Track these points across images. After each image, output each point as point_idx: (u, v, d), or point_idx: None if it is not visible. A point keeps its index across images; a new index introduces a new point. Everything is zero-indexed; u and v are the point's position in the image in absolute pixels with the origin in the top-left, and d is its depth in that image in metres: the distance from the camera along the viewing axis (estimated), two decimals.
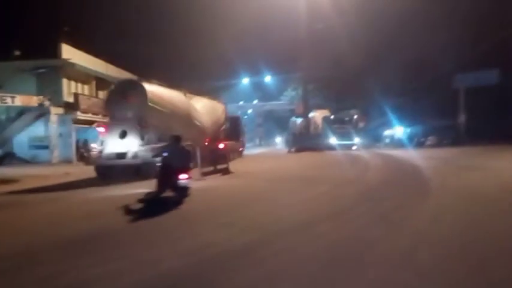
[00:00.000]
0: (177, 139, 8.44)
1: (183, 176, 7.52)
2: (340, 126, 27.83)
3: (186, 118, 14.69)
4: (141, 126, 12.12)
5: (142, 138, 12.06)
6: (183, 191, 7.63)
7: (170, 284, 3.34)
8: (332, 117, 29.69)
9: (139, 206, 7.09)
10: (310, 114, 31.40)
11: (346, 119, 28.46)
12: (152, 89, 13.09)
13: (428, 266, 3.60)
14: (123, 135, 12.16)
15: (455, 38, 30.46)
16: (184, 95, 15.63)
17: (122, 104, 12.56)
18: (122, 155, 11.63)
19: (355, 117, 28.51)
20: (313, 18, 26.35)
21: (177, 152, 8.12)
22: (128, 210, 6.62)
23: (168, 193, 7.59)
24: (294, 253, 4.12)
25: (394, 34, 32.17)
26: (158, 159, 9.38)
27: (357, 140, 27.14)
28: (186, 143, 11.30)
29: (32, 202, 8.49)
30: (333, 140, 26.94)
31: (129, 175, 11.00)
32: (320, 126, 30.00)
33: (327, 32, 28.15)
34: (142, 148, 11.90)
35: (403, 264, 3.67)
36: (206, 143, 14.61)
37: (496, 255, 3.87)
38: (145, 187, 8.18)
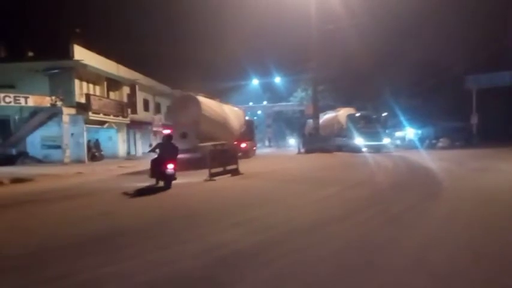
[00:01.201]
0: (169, 137, 10.63)
1: (170, 166, 9.47)
2: (367, 125, 24.95)
3: (223, 122, 18.78)
4: (197, 129, 15.96)
5: (198, 138, 15.86)
6: (170, 178, 9.55)
7: (180, 285, 3.35)
8: (358, 114, 26.60)
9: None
10: (331, 114, 29.72)
11: (374, 116, 25.94)
12: (204, 100, 17.29)
13: (439, 269, 3.55)
14: (183, 135, 15.64)
15: (467, 38, 30.06)
16: (220, 103, 19.80)
17: (182, 113, 16.54)
18: (184, 151, 13.65)
19: (385, 114, 26.17)
20: (323, 19, 26.24)
21: (169, 147, 10.13)
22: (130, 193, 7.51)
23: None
24: (303, 254, 4.11)
25: (405, 35, 31.91)
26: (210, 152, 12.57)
27: (386, 140, 24.75)
28: (221, 142, 17.14)
29: (45, 201, 8.62)
30: (359, 141, 24.11)
31: (192, 165, 13.49)
32: (344, 125, 26.84)
33: (338, 32, 28.02)
34: (199, 145, 15.61)
35: (414, 267, 3.63)
36: (235, 142, 19.13)
37: (510, 259, 3.81)
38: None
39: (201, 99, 17.15)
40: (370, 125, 24.71)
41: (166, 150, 10.03)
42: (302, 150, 27.33)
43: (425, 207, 6.57)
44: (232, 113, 21.00)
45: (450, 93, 31.02)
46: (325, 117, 30.51)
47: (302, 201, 7.51)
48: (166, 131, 15.46)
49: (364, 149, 23.06)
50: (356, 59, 32.77)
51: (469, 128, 30.74)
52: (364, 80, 35.03)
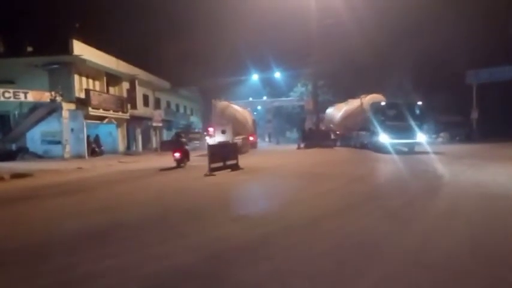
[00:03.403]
0: (178, 135, 16.56)
1: (176, 154, 14.40)
2: (396, 117, 19.30)
3: (244, 122, 26.01)
4: (232, 127, 22.77)
5: (233, 134, 22.60)
6: (178, 161, 14.37)
7: (180, 278, 3.38)
8: (383, 103, 20.47)
9: None
10: (354, 102, 25.10)
11: (405, 106, 19.79)
12: (235, 107, 25.52)
13: (437, 262, 3.58)
14: (223, 132, 22.49)
15: (469, 33, 29.95)
16: (241, 107, 27.25)
17: (221, 116, 23.31)
18: (223, 143, 17.09)
19: (419, 103, 19.91)
20: (323, 13, 26.15)
21: (177, 141, 15.49)
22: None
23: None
24: (302, 249, 4.13)
25: (405, 30, 31.80)
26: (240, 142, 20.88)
27: (421, 137, 19.01)
28: (243, 136, 24.07)
29: (45, 196, 8.65)
30: (384, 138, 18.85)
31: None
32: (367, 117, 21.59)
33: (338, 27, 27.90)
34: (234, 138, 21.89)
35: (412, 261, 3.65)
36: (249, 137, 25.88)
37: (506, 253, 3.83)
38: None
39: (234, 106, 25.44)
40: (399, 117, 19.00)
41: (176, 143, 15.40)
42: (302, 145, 27.33)
43: (423, 202, 6.59)
44: (246, 114, 27.62)
45: (451, 88, 30.98)
46: (346, 108, 26.44)
47: (301, 196, 7.53)
48: (210, 129, 23.74)
49: (391, 149, 18.06)
50: (356, 54, 32.71)
51: (469, 123, 30.74)
52: (364, 75, 34.96)
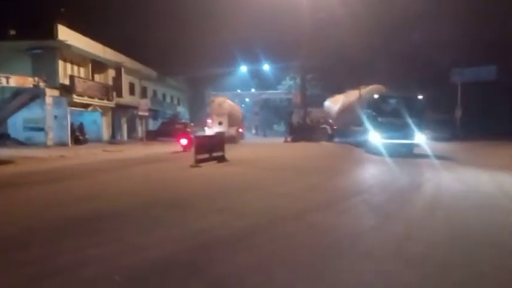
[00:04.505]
0: (184, 123, 27.93)
1: (183, 140, 15.74)
2: (391, 112, 16.21)
3: (237, 115, 30.04)
4: (228, 119, 26.68)
5: (228, 125, 26.36)
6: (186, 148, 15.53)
7: (163, 269, 3.36)
8: (376, 96, 17.23)
9: None
10: (351, 94, 22.11)
11: (402, 100, 16.41)
12: (230, 102, 29.47)
13: (418, 256, 3.65)
14: (220, 123, 26.17)
15: (455, 32, 30.38)
16: (234, 102, 31.62)
17: (219, 109, 27.19)
18: (220, 133, 18.40)
19: (420, 98, 16.76)
20: (315, 7, 26.10)
21: (184, 128, 22.17)
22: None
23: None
24: (286, 241, 4.16)
25: (394, 27, 32.03)
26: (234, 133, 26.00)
27: (419, 138, 15.64)
28: (235, 127, 27.36)
29: (27, 183, 8.47)
30: (375, 136, 15.70)
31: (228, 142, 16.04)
32: (356, 112, 18.87)
33: (328, 21, 27.91)
34: (229, 129, 25.62)
35: (394, 254, 3.72)
36: (239, 129, 29.04)
37: (487, 247, 3.93)
38: None
39: (229, 101, 29.14)
40: (394, 113, 15.92)
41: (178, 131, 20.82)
42: (289, 139, 27.42)
43: (407, 197, 6.71)
44: (237, 107, 31.98)
45: (435, 87, 31.42)
46: (344, 100, 23.58)
47: (286, 189, 7.57)
48: (209, 121, 27.25)
49: (383, 150, 14.81)
50: (345, 49, 32.81)
51: (452, 121, 31.25)
52: (352, 70, 35.12)
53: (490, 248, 3.97)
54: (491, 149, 18.80)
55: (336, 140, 25.07)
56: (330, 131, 26.38)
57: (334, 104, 25.94)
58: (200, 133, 30.21)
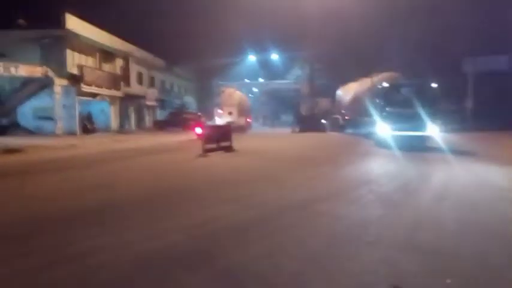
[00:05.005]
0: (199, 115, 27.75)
1: (198, 129, 13.18)
2: (401, 102, 14.88)
3: (246, 105, 30.82)
4: (237, 110, 27.84)
5: (238, 115, 27.50)
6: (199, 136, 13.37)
7: (171, 257, 3.38)
8: (386, 85, 16.10)
9: None
10: (364, 82, 21.41)
11: (414, 88, 15.35)
12: (239, 92, 30.43)
13: (427, 245, 3.62)
14: (230, 113, 27.16)
15: (468, 21, 29.74)
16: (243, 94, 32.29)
17: (229, 100, 28.37)
18: (230, 123, 19.41)
19: (434, 86, 15.54)
20: None
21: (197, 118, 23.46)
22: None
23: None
24: (294, 230, 4.16)
25: (404, 15, 31.46)
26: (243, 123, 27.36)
27: (432, 130, 14.04)
28: (242, 118, 28.23)
29: (37, 172, 8.58)
30: (383, 128, 14.42)
31: (234, 130, 15.83)
32: (366, 101, 17.67)
33: (337, 10, 27.49)
34: (239, 119, 27.26)
35: (402, 243, 3.69)
36: (248, 120, 29.84)
37: (497, 239, 3.89)
38: None
39: (238, 92, 30.33)
40: (405, 103, 14.68)
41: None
42: (296, 129, 27.30)
43: (415, 187, 6.64)
44: (245, 98, 32.24)
45: (446, 76, 30.93)
46: (357, 88, 22.54)
47: (293, 179, 7.56)
48: (220, 111, 28.06)
49: (392, 143, 13.62)
50: (354, 38, 32.37)
51: (463, 111, 30.81)
52: (361, 60, 34.69)
53: (500, 239, 3.92)
54: (504, 141, 18.42)
55: (349, 131, 23.71)
56: (341, 121, 25.27)
57: (346, 92, 24.81)
58: (209, 123, 30.67)
